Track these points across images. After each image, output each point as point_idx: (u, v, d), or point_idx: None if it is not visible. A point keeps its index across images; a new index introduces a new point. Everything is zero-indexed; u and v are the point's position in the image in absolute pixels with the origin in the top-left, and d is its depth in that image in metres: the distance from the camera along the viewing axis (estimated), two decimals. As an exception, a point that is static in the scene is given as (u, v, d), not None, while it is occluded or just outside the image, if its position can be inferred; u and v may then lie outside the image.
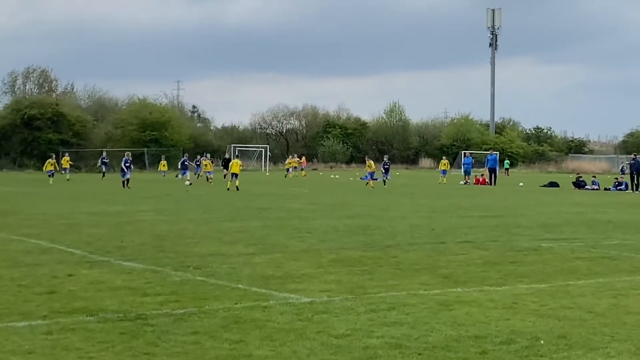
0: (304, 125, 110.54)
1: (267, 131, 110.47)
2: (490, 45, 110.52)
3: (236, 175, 41.35)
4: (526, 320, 9.77)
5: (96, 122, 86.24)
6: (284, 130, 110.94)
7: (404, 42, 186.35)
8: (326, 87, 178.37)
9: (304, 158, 67.75)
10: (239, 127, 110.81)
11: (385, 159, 52.51)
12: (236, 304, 10.57)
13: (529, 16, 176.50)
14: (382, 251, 16.31)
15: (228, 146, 78.38)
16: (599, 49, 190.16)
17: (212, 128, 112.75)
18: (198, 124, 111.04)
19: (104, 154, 60.18)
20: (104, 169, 57.94)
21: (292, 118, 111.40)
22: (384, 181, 48.82)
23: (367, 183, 48.13)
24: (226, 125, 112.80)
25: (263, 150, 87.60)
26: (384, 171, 49.81)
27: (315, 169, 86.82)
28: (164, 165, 59.65)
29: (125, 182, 43.28)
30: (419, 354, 8.11)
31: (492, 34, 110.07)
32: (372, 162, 48.86)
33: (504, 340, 8.71)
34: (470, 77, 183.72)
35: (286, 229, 20.49)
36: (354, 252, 16.03)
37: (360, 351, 8.21)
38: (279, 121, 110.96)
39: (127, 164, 44.24)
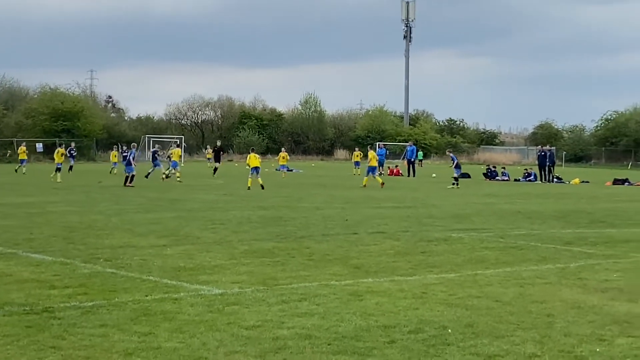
0: (220, 116, 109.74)
1: (183, 122, 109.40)
2: (405, 37, 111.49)
3: (257, 169, 35.46)
4: (435, 309, 9.91)
5: (6, 111, 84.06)
6: (200, 121, 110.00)
7: (320, 34, 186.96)
8: (242, 78, 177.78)
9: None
10: (153, 117, 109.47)
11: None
12: (146, 296, 10.45)
13: (445, 9, 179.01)
14: (295, 242, 16.33)
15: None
16: (513, 43, 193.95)
17: (126, 118, 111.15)
18: (112, 114, 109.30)
19: (72, 145, 55.50)
20: (71, 161, 53.50)
21: (207, 109, 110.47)
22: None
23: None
24: (141, 115, 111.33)
25: (178, 141, 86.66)
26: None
27: (231, 160, 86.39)
28: (114, 156, 54.62)
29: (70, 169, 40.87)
30: (329, 344, 8.14)
31: (407, 26, 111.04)
32: (372, 154, 41.37)
33: (413, 329, 8.82)
34: (385, 69, 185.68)
35: (199, 220, 20.34)
36: (267, 243, 16.02)
37: (270, 342, 8.21)
38: (194, 112, 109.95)
39: (73, 153, 41.20)
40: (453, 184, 39.71)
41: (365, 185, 38.55)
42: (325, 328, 8.83)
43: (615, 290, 11.36)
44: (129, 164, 37.10)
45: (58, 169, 40.86)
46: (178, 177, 41.39)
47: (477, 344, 8.22)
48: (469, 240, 17.23)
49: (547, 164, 50.29)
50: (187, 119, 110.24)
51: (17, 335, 8.30)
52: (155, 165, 44.17)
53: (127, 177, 36.58)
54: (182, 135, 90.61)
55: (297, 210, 24.28)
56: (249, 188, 34.04)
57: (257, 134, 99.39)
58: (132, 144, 43.14)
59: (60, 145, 45.32)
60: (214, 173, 48.12)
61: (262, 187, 34.12)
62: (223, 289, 11.02)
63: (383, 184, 38.83)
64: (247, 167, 36.47)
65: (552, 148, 52.37)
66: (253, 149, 40.99)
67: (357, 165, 56.33)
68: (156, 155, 45.69)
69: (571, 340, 8.41)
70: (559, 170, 52.85)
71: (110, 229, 18.21)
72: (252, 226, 19.24)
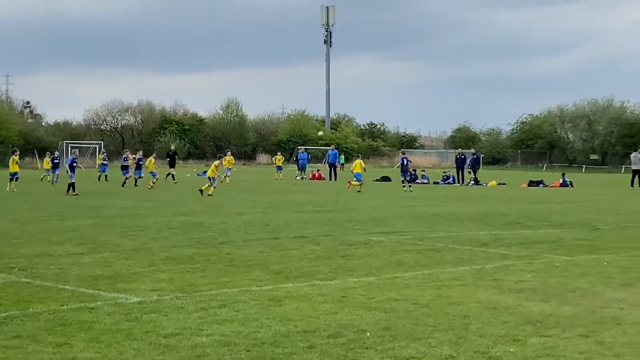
0: (140, 121, 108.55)
1: (102, 127, 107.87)
2: (325, 42, 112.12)
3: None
4: (354, 313, 9.95)
5: None
6: (119, 126, 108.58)
7: (241, 39, 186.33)
8: (162, 82, 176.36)
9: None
10: (72, 123, 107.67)
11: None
12: (62, 305, 10.25)
13: (364, 14, 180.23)
14: (216, 248, 16.24)
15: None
16: (432, 47, 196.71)
17: (44, 124, 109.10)
18: (29, 120, 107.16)
19: (57, 153, 52.66)
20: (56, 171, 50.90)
21: (127, 114, 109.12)
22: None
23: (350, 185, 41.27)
24: (59, 121, 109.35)
25: (97, 146, 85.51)
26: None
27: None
28: (47, 163, 51.84)
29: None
30: (248, 351, 8.11)
31: (327, 31, 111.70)
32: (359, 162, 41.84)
33: (332, 333, 8.84)
34: (306, 73, 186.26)
35: (118, 227, 20.06)
36: (187, 250, 15.89)
37: (188, 350, 8.13)
38: (113, 117, 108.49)
39: (75, 165, 37.02)
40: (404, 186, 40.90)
41: (359, 191, 39.09)
42: (245, 334, 8.79)
43: (529, 291, 11.58)
44: (72, 170, 35.51)
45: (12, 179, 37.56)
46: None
47: (395, 347, 8.29)
48: (389, 243, 17.38)
49: (471, 166, 51.01)
50: (107, 124, 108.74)
51: None
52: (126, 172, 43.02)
53: (69, 185, 34.90)
54: (102, 140, 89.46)
55: (218, 215, 24.15)
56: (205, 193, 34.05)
57: (178, 138, 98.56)
58: (74, 150, 41.29)
59: (14, 153, 41.07)
60: (170, 177, 47.17)
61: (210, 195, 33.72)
62: (141, 297, 10.88)
63: (350, 185, 40.33)
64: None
65: (475, 152, 53.03)
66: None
67: (279, 170, 56.36)
68: (74, 162, 42.90)
69: (486, 341, 8.54)
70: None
71: (26, 237, 17.83)
72: (172, 232, 19.07)
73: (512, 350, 8.20)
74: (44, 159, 51.72)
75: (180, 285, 11.83)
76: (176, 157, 50.39)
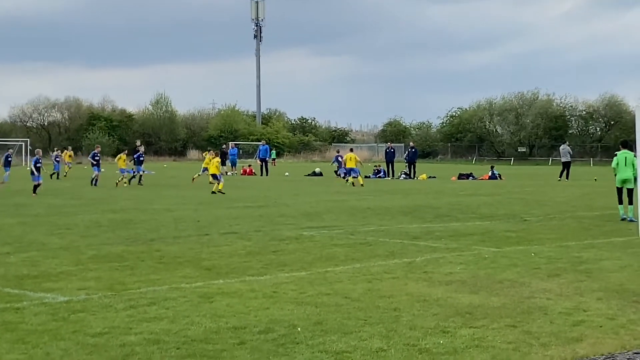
0: (67, 117, 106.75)
1: (28, 124, 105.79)
2: (255, 37, 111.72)
3: (215, 176, 34.45)
4: (285, 308, 9.95)
5: None
6: (46, 123, 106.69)
7: (170, 34, 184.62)
8: (89, 78, 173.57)
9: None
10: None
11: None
12: (-13, 306, 10.05)
13: (295, 9, 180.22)
14: (145, 245, 16.08)
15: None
16: (363, 42, 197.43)
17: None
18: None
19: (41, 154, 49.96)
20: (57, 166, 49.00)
21: (53, 110, 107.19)
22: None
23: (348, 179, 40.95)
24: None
25: (23, 144, 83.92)
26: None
27: (80, 163, 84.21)
28: None
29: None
30: (177, 349, 8.05)
31: (257, 25, 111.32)
32: (352, 157, 41.01)
33: (263, 329, 8.83)
34: (237, 68, 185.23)
35: (45, 226, 19.73)
36: (116, 247, 15.70)
37: (117, 349, 8.04)
38: (39, 114, 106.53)
39: (39, 165, 34.13)
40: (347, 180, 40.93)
41: (362, 184, 39.48)
42: (174, 332, 8.72)
43: (458, 283, 11.72)
44: (37, 171, 33.22)
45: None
46: (124, 181, 39.65)
47: (326, 341, 8.31)
48: (320, 238, 17.41)
49: (408, 159, 51.25)
50: (33, 121, 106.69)
51: None
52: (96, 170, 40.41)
53: (35, 186, 32.71)
54: (28, 138, 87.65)
55: (148, 212, 23.91)
56: (213, 192, 33.14)
57: (107, 135, 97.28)
58: (37, 149, 38.37)
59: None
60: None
61: (223, 193, 32.92)
62: (69, 296, 10.71)
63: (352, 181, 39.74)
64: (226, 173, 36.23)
65: (413, 146, 53.29)
66: (210, 150, 39.37)
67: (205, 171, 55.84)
68: (8, 159, 39.92)
69: (416, 334, 8.61)
70: (402, 166, 53.86)
71: (-51, 237, 17.42)
72: (100, 230, 18.82)
73: (441, 342, 8.28)
74: None
75: (108, 284, 11.69)
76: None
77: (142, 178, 41.27)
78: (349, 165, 40.89)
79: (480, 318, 9.35)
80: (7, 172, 41.22)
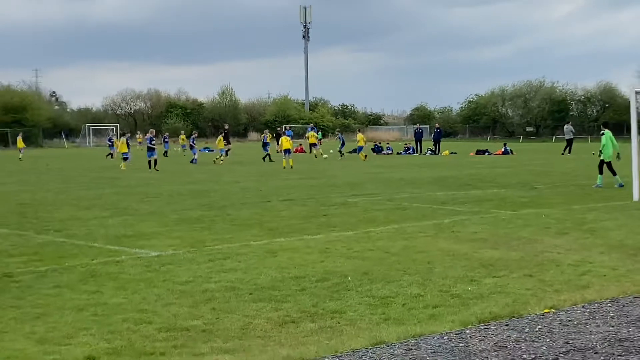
0: (149, 106, 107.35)
1: (117, 112, 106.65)
2: (304, 37, 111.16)
3: (288, 151, 34.42)
4: (337, 261, 9.96)
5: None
6: (132, 111, 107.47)
7: (233, 36, 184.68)
8: (167, 73, 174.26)
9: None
10: (92, 109, 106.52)
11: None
12: (93, 260, 10.20)
13: (338, 13, 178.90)
14: (219, 210, 16.18)
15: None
16: (393, 40, 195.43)
17: (68, 110, 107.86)
18: (56, 107, 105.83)
19: (111, 134, 49.83)
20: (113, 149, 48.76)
21: (138, 100, 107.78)
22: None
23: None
24: (81, 107, 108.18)
25: (114, 128, 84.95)
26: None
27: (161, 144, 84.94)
28: (20, 142, 49.07)
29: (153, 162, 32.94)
30: (250, 294, 8.10)
31: (305, 27, 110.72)
32: (361, 137, 43.67)
33: (319, 278, 8.85)
34: (289, 64, 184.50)
35: (136, 195, 19.94)
36: (195, 212, 15.82)
37: (200, 294, 8.12)
38: (127, 103, 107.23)
39: (153, 142, 34.13)
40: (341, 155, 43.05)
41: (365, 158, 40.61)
42: (247, 281, 8.78)
43: (481, 240, 11.62)
44: (150, 149, 33.14)
45: (125, 158, 35.06)
46: (221, 159, 38.59)
47: (372, 288, 8.30)
48: (362, 203, 17.37)
49: (435, 138, 50.87)
50: (121, 110, 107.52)
51: (-20, 298, 8.01)
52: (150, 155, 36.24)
53: (149, 162, 32.65)
54: (118, 123, 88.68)
55: (219, 183, 24.05)
56: (284, 167, 32.95)
57: (182, 121, 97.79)
58: (150, 130, 37.53)
59: (124, 135, 38.32)
60: (227, 154, 42.78)
61: (291, 167, 32.70)
62: (159, 252, 10.84)
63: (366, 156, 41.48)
64: (278, 151, 35.88)
65: (439, 127, 52.89)
66: (284, 132, 39.17)
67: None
68: (152, 142, 34.93)
69: (448, 282, 8.57)
70: (429, 144, 53.40)
71: (59, 204, 17.70)
72: (181, 198, 18.98)
73: (469, 288, 8.23)
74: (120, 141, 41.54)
75: (190, 242, 11.79)
76: (228, 134, 44.21)
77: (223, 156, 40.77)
78: (360, 144, 43.19)
79: (501, 269, 9.27)
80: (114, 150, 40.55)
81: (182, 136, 50.89)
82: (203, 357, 5.93)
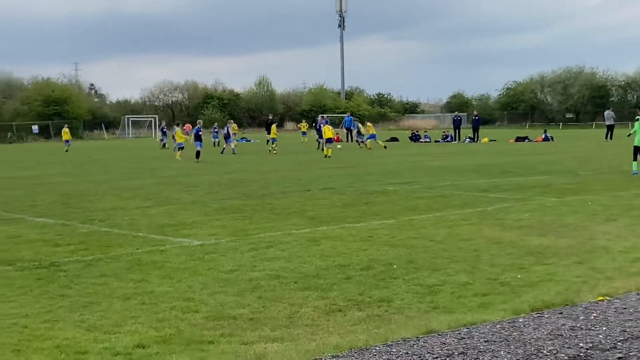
0: (187, 97, 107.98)
1: (155, 103, 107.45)
2: (339, 26, 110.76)
3: (330, 140, 34.18)
4: (380, 249, 9.85)
5: (4, 99, 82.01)
6: (170, 102, 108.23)
7: (269, 27, 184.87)
8: (204, 65, 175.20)
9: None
10: (131, 100, 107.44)
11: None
12: (137, 249, 10.23)
13: (376, 2, 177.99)
14: (259, 199, 16.16)
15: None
16: (430, 29, 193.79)
17: (107, 102, 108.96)
18: (95, 99, 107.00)
19: (163, 123, 49.99)
20: (164, 139, 47.32)
21: (176, 92, 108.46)
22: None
23: (364, 145, 41.90)
24: (120, 99, 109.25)
25: (153, 119, 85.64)
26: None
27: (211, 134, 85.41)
28: (66, 134, 49.27)
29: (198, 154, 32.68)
30: (295, 282, 8.04)
31: (340, 16, 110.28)
32: (370, 125, 43.23)
33: (364, 267, 8.75)
34: (325, 53, 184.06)
35: (176, 185, 20.02)
36: (235, 201, 15.81)
37: (245, 282, 8.08)
38: (165, 95, 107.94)
39: (200, 132, 33.68)
40: (360, 144, 41.87)
41: (370, 148, 39.76)
42: (291, 269, 8.72)
43: (527, 227, 11.41)
44: (198, 139, 32.56)
45: (180, 148, 33.89)
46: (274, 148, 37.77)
47: (419, 277, 8.18)
48: (403, 192, 17.21)
49: (474, 126, 50.36)
50: (159, 101, 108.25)
51: (30, 286, 8.06)
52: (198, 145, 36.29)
53: (197, 152, 31.96)
54: (156, 114, 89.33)
55: (258, 172, 24.05)
56: (325, 156, 32.61)
57: (219, 111, 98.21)
58: (198, 120, 37.28)
59: (178, 125, 36.86)
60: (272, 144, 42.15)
61: (329, 157, 32.31)
62: (202, 241, 10.83)
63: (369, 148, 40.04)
64: (319, 140, 37.10)
65: (477, 115, 52.31)
66: (327, 121, 38.64)
67: (304, 135, 56.08)
68: (199, 132, 34.38)
69: (496, 270, 8.41)
70: (467, 131, 52.86)
71: (102, 194, 17.84)
72: (221, 187, 19.00)
73: (519, 276, 8.07)
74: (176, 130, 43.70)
75: (232, 231, 11.77)
76: (272, 124, 44.71)
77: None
78: (371, 132, 41.95)
79: (550, 256, 9.09)
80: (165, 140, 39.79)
81: (234, 126, 50.99)
82: (252, 345, 5.88)
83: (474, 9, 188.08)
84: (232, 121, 45.87)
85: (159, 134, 48.96)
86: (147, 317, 6.74)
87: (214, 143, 48.36)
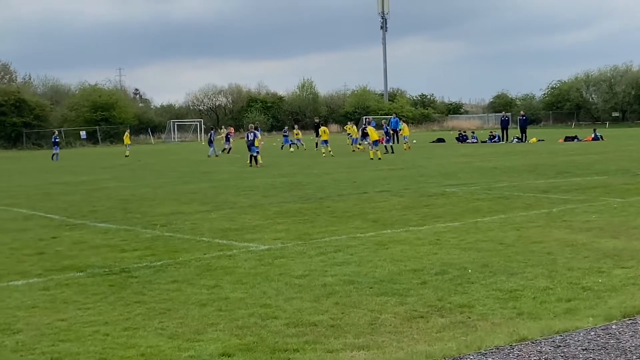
0: (230, 101, 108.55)
1: (200, 107, 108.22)
2: (381, 28, 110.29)
3: (376, 142, 33.85)
4: (451, 253, 9.63)
5: (52, 105, 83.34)
6: (214, 106, 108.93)
7: (311, 30, 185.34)
8: (248, 69, 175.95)
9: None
10: (175, 105, 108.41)
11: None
12: (205, 254, 10.16)
13: (418, 3, 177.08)
14: (317, 202, 16.03)
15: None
16: (471, 28, 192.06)
17: (152, 107, 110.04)
18: (140, 104, 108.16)
19: (55, 133, 52.11)
20: (55, 149, 46.42)
21: (220, 95, 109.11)
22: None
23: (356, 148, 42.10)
24: (164, 104, 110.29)
25: (198, 124, 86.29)
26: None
27: (242, 138, 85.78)
28: (127, 138, 49.46)
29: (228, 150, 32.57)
30: (370, 288, 7.87)
31: (382, 18, 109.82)
32: (354, 128, 42.43)
33: (438, 271, 8.54)
34: (367, 55, 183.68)
35: (232, 189, 20.00)
36: (294, 205, 15.70)
37: (320, 288, 7.93)
38: (209, 98, 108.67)
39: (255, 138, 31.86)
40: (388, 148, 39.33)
41: (363, 150, 38.67)
42: (364, 274, 8.55)
43: (597, 229, 11.08)
44: (252, 144, 30.90)
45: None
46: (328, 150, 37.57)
47: (497, 281, 7.95)
48: (462, 193, 16.93)
49: (520, 126, 49.66)
50: (204, 105, 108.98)
51: (104, 293, 8.03)
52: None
53: (251, 157, 30.70)
54: (201, 119, 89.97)
55: (310, 176, 23.94)
56: (371, 159, 32.24)
57: (262, 114, 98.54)
58: (250, 124, 36.70)
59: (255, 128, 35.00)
60: (317, 147, 42.44)
61: (332, 155, 32.08)
62: (268, 245, 10.72)
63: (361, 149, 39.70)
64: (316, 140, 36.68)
65: (524, 115, 51.63)
66: (322, 123, 38.51)
67: (350, 136, 55.77)
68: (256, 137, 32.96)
69: (575, 274, 8.14)
70: (514, 132, 52.14)
71: (159, 199, 17.89)
72: (277, 191, 18.92)
73: (600, 280, 7.79)
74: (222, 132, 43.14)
75: (296, 234, 11.65)
76: (320, 126, 44.37)
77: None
78: (404, 133, 42.20)
79: (628, 259, 8.77)
80: (212, 147, 40.70)
81: (296, 130, 51.06)
82: (338, 353, 5.73)
83: (514, 9, 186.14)
84: (230, 127, 45.72)
85: (222, 141, 47.82)
86: (227, 324, 6.64)
87: (284, 146, 47.77)
